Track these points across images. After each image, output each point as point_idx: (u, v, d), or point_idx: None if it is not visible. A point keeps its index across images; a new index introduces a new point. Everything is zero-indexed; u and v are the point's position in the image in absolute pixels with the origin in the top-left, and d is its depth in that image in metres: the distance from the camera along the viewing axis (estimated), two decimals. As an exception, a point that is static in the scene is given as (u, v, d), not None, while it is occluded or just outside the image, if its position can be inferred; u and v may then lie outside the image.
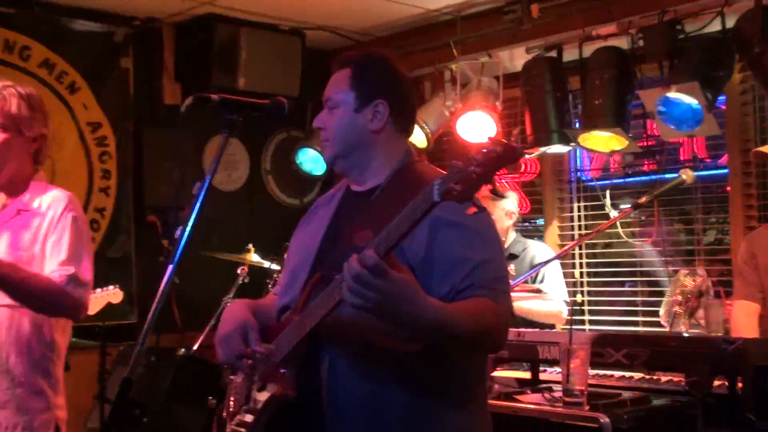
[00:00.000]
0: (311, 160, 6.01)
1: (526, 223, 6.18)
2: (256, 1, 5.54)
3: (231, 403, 2.52)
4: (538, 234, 6.12)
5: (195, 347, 5.37)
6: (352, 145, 2.36)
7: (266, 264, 5.37)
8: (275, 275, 5.16)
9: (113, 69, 5.72)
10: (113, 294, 4.63)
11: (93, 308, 4.48)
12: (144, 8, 5.72)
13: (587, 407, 3.12)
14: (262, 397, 2.33)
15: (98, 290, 4.53)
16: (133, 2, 5.58)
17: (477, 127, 5.44)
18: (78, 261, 2.94)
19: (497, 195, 3.21)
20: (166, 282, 2.09)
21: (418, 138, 5.57)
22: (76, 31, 5.61)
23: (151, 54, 5.93)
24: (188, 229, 2.08)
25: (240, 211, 6.37)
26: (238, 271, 5.33)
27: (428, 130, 5.58)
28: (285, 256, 2.67)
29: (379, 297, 1.91)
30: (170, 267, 2.08)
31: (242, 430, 2.38)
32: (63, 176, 5.38)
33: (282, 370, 2.26)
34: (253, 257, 5.40)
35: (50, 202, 2.97)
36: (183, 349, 5.09)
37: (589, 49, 5.09)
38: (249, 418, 2.37)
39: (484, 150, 1.75)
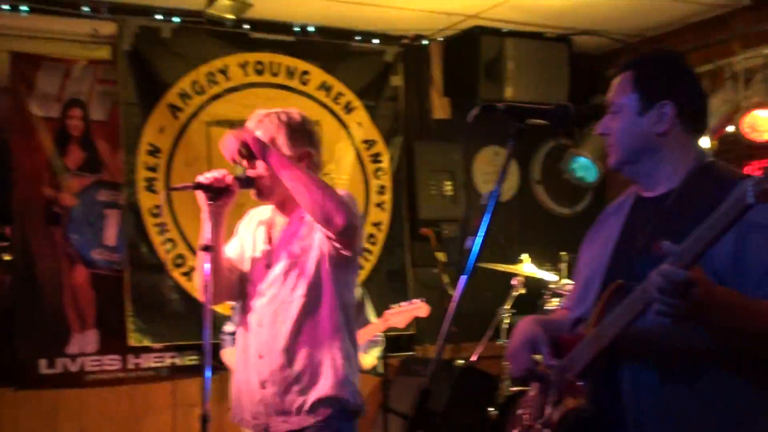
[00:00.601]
0: (582, 168, 5.89)
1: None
2: (520, 10, 5.51)
3: (524, 416, 2.49)
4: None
5: (473, 357, 5.41)
6: (637, 150, 2.26)
7: (540, 274, 5.30)
8: (551, 285, 5.08)
9: (385, 87, 5.91)
10: (419, 308, 4.74)
11: (401, 322, 4.65)
12: (412, 26, 5.85)
13: None
14: (558, 411, 2.27)
15: (404, 303, 4.68)
16: (402, 21, 5.72)
17: (763, 125, 5.08)
18: None
19: None
20: (459, 293, 2.08)
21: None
22: (350, 53, 5.85)
23: (419, 70, 6.08)
24: (479, 239, 2.06)
25: (511, 221, 6.35)
26: (513, 282, 5.30)
27: (709, 130, 5.28)
28: (574, 268, 2.59)
29: (687, 307, 1.82)
30: (463, 278, 2.07)
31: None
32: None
33: (579, 384, 2.19)
34: (527, 268, 5.35)
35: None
36: (461, 360, 5.14)
37: None
38: (544, 431, 2.33)
39: None
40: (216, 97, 5.48)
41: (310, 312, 3.00)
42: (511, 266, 5.39)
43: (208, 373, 2.80)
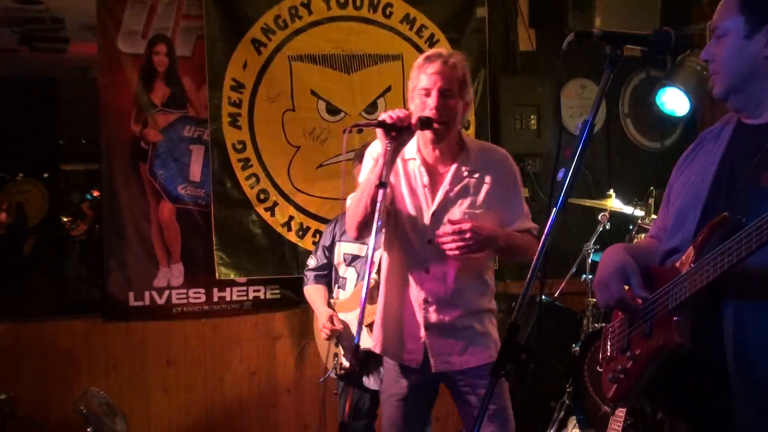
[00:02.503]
0: (673, 101, 5.71)
1: None
2: (612, -64, 5.33)
3: (608, 348, 2.45)
4: None
5: (556, 294, 5.37)
6: (745, 75, 2.16)
7: (627, 210, 5.20)
8: (639, 221, 4.98)
9: (470, 19, 5.79)
10: None
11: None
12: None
13: None
14: (649, 345, 2.21)
15: None
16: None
17: None
18: (529, 215, 3.36)
19: None
20: (550, 226, 2.04)
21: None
22: (434, -16, 5.77)
23: (505, 1, 5.94)
24: (572, 170, 2.01)
25: (598, 156, 6.23)
26: (599, 218, 5.22)
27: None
28: (665, 194, 2.51)
29: None
30: (554, 210, 2.03)
31: (622, 376, 2.29)
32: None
33: (675, 318, 2.12)
34: (614, 203, 5.25)
35: (496, 158, 3.34)
36: (544, 296, 5.10)
37: None
38: (630, 364, 2.27)
39: None
40: (299, 31, 5.46)
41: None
42: (597, 201, 5.31)
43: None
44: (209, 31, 5.28)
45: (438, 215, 3.23)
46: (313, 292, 4.61)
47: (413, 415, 3.41)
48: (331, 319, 4.37)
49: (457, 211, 3.23)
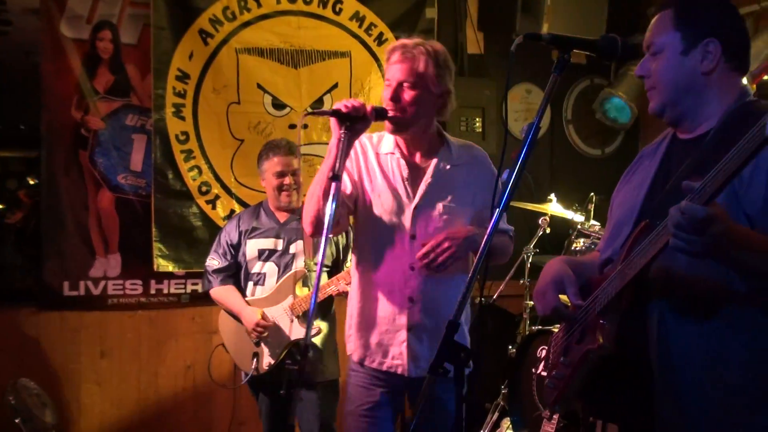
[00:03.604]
0: (616, 109, 5.80)
1: None
2: (561, -57, 5.39)
3: (550, 355, 2.49)
4: None
5: (494, 296, 5.41)
6: (681, 90, 2.21)
7: (568, 215, 5.26)
8: (578, 226, 5.05)
9: (419, 19, 5.81)
10: None
11: None
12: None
13: None
14: (580, 349, 2.27)
15: None
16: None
17: (806, 69, 4.96)
18: (504, 217, 3.22)
19: None
20: (492, 226, 2.06)
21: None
22: (385, -17, 5.78)
23: (455, 3, 5.97)
24: (516, 172, 2.02)
25: (541, 160, 6.30)
26: (540, 222, 5.27)
27: (750, 73, 5.16)
28: (604, 210, 2.57)
29: (702, 240, 1.82)
30: (496, 211, 2.04)
31: (559, 381, 2.34)
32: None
33: (601, 321, 2.19)
34: (554, 208, 5.31)
35: (477, 156, 3.27)
36: (482, 297, 5.14)
37: None
38: (565, 369, 2.33)
39: None
40: (247, 24, 5.43)
41: None
42: (538, 205, 5.36)
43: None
44: (156, 19, 5.21)
45: (420, 209, 3.15)
46: (227, 293, 4.51)
47: (383, 428, 3.23)
48: (263, 317, 4.31)
49: (440, 206, 3.15)
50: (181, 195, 5.33)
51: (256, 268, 4.45)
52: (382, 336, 3.19)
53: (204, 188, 5.38)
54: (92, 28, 5.17)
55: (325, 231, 2.74)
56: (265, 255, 4.44)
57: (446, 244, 3.01)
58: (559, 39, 2.15)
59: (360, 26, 5.70)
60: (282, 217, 4.51)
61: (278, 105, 5.50)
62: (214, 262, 4.55)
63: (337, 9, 5.65)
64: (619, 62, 5.79)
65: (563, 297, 2.37)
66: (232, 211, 5.41)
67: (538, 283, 2.42)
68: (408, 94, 3.06)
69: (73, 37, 5.13)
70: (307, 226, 3.09)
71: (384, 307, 3.19)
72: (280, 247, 4.43)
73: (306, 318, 4.26)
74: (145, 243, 5.28)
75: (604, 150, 6.49)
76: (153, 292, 5.40)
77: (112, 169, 5.28)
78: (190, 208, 5.36)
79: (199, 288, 5.44)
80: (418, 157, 3.21)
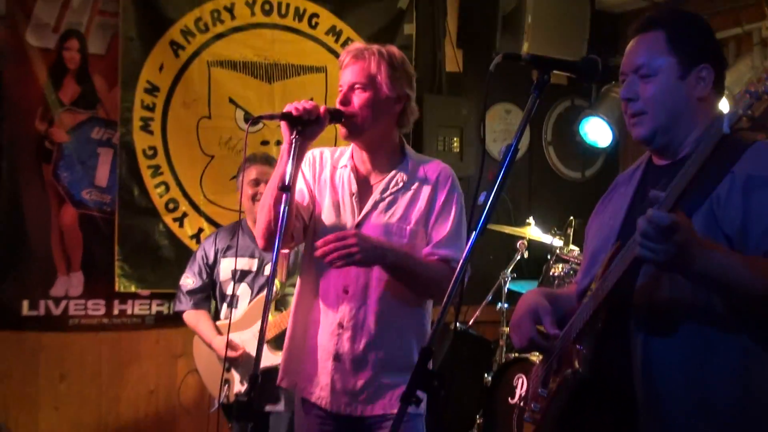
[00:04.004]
0: (596, 131, 5.84)
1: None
2: (544, -39, 5.45)
3: (529, 389, 2.49)
4: None
5: (470, 322, 5.41)
6: (675, 115, 2.21)
7: (546, 239, 5.28)
8: (557, 251, 5.06)
9: (397, 35, 5.83)
10: None
11: None
12: (428, -27, 5.78)
13: None
14: (557, 379, 2.27)
15: None
16: (421, -34, 5.66)
17: (790, 94, 5.01)
18: (458, 245, 3.01)
19: None
20: (468, 251, 2.05)
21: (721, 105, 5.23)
22: (363, -2, 5.80)
23: (434, 20, 6.00)
24: (494, 194, 2.02)
25: (519, 182, 6.32)
26: (517, 246, 5.28)
27: (733, 97, 5.22)
28: (582, 236, 2.57)
29: (667, 249, 1.84)
30: (473, 234, 2.03)
31: (537, 414, 2.34)
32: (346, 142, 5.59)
33: (578, 347, 2.19)
34: (533, 231, 5.33)
35: (437, 174, 3.05)
36: (458, 323, 5.13)
37: None
38: (542, 400, 2.33)
39: None
40: (220, 36, 5.43)
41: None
42: (516, 229, 5.38)
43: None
44: (125, 29, 5.19)
45: (361, 228, 2.98)
46: (198, 320, 4.47)
47: None
48: (230, 348, 4.21)
49: (383, 225, 2.98)
50: (147, 212, 5.29)
51: (230, 289, 4.39)
52: (307, 363, 3.05)
53: (171, 205, 5.35)
54: (59, 37, 5.13)
55: (276, 245, 2.62)
56: (238, 275, 4.38)
57: (352, 241, 2.79)
58: (539, 59, 2.15)
59: (336, 41, 5.71)
60: None
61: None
62: (188, 281, 4.51)
63: (314, 23, 5.65)
64: (600, 83, 5.84)
65: (540, 328, 2.37)
66: (200, 230, 5.38)
67: (514, 316, 2.42)
68: (359, 97, 2.95)
69: (39, 46, 5.09)
70: (258, 239, 2.97)
71: (313, 332, 3.04)
72: (254, 268, 4.39)
73: (278, 344, 4.21)
74: (108, 261, 5.23)
75: (584, 173, 6.53)
76: (116, 312, 5.35)
77: (76, 184, 5.23)
78: (156, 225, 5.32)
79: (165, 309, 5.39)
80: (372, 172, 3.08)
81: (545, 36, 5.71)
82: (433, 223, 3.01)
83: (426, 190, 3.02)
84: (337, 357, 2.98)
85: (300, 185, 3.07)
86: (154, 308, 5.43)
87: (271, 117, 2.99)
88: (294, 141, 2.76)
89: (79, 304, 5.26)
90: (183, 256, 5.28)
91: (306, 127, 2.80)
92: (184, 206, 5.37)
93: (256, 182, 4.36)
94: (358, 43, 3.07)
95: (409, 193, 3.02)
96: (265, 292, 4.29)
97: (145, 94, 5.25)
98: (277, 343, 4.18)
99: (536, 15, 5.69)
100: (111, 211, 5.26)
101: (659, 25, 2.24)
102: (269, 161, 4.41)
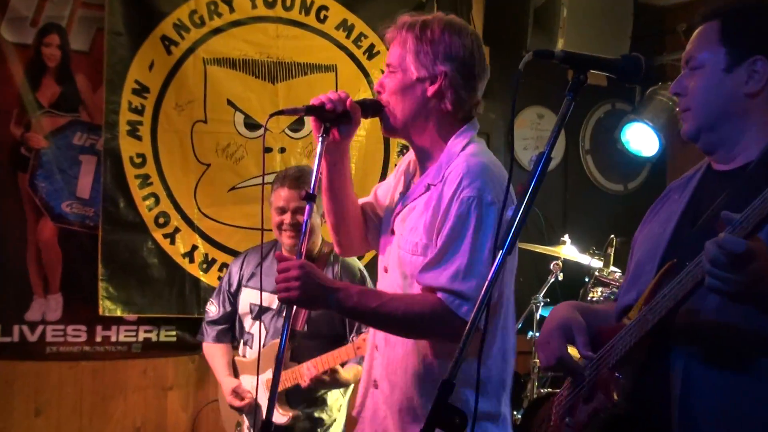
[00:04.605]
0: (640, 139, 5.83)
1: None
2: (580, -52, 5.46)
3: (551, 416, 2.47)
4: None
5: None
6: (721, 113, 2.23)
7: (584, 260, 5.27)
8: (596, 273, 5.05)
9: (416, 30, 5.83)
10: None
11: None
12: (452, -39, 5.81)
13: None
14: (587, 409, 2.25)
15: None
16: (441, -46, 5.67)
17: None
18: (457, 271, 2.64)
19: None
20: (494, 271, 2.04)
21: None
22: (378, -11, 5.81)
23: (457, 14, 5.98)
24: (523, 209, 2.01)
25: (554, 197, 6.32)
26: (551, 267, 5.28)
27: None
28: (627, 252, 2.55)
29: (741, 279, 1.78)
30: (501, 253, 2.03)
31: (564, 449, 2.33)
32: (358, 149, 5.66)
33: (616, 375, 2.18)
34: (568, 251, 5.32)
35: (451, 171, 2.73)
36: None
37: None
38: None
39: None
40: (217, 30, 5.46)
41: None
42: (550, 248, 5.37)
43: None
44: (111, 23, 5.22)
45: (388, 237, 2.89)
46: (214, 354, 4.46)
47: None
48: (236, 394, 4.22)
49: (399, 237, 2.82)
50: (135, 227, 5.30)
51: (247, 325, 4.34)
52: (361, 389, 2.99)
53: (161, 220, 5.37)
54: (37, 32, 5.17)
55: (302, 242, 2.60)
56: (256, 311, 4.28)
57: (294, 273, 2.57)
58: (574, 57, 2.15)
59: (348, 36, 5.73)
60: None
61: (251, 125, 5.51)
62: (211, 308, 4.49)
63: (322, 16, 5.68)
64: (645, 85, 5.84)
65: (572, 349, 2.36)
66: (194, 247, 5.39)
67: (542, 330, 2.41)
68: (388, 81, 2.80)
69: (15, 42, 5.13)
70: (335, 245, 3.04)
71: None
72: (274, 305, 4.22)
73: (289, 400, 4.18)
74: (91, 282, 5.24)
75: (626, 185, 6.52)
76: (99, 339, 5.36)
77: (55, 195, 5.25)
78: (144, 242, 5.33)
79: (153, 336, 5.41)
80: (417, 170, 2.92)
81: (583, 32, 5.72)
82: (435, 237, 2.70)
83: (435, 193, 2.74)
84: (374, 383, 2.89)
85: (388, 182, 3.05)
86: (142, 335, 5.43)
87: (295, 111, 2.84)
88: (321, 140, 2.69)
89: (57, 329, 5.28)
90: (174, 276, 5.30)
91: (336, 123, 2.72)
92: (175, 221, 5.39)
93: (281, 210, 4.16)
94: (408, 15, 2.83)
95: (425, 198, 2.78)
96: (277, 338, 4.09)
97: (134, 95, 5.27)
98: (288, 398, 4.15)
99: (572, 9, 5.70)
100: (94, 226, 5.28)
101: (717, 14, 2.27)
102: (301, 182, 4.12)
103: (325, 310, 2.82)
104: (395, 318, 2.66)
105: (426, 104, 2.77)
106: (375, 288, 3.03)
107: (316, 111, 2.69)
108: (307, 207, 2.60)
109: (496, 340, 2.74)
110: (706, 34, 2.26)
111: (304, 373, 4.04)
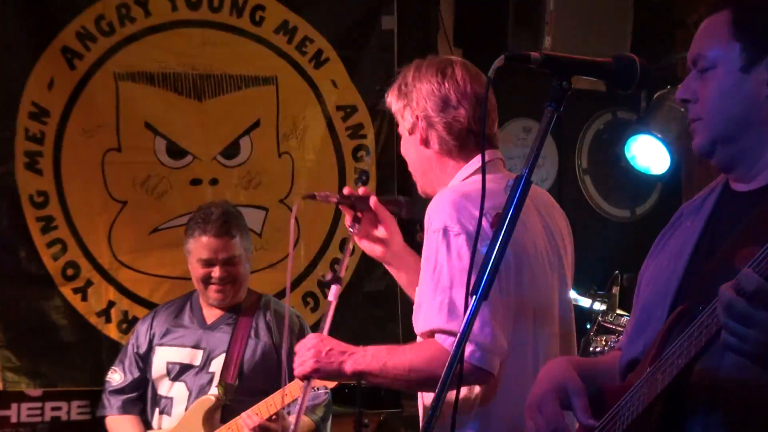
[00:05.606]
0: (647, 154, 5.86)
1: None
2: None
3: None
4: None
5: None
6: (738, 121, 2.20)
7: (584, 302, 5.28)
8: (599, 318, 5.06)
9: (372, 32, 5.88)
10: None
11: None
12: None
13: None
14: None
15: None
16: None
17: None
18: (438, 309, 2.85)
19: None
20: (467, 321, 2.04)
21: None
22: (325, -15, 5.86)
23: (423, 10, 6.05)
24: (498, 245, 2.02)
25: (545, 226, 6.33)
26: (545, 312, 5.28)
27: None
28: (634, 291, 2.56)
29: (763, 334, 1.77)
30: (473, 299, 2.03)
31: None
32: (307, 177, 5.67)
33: (626, 446, 2.18)
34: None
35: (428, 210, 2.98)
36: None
37: None
38: None
39: None
40: (130, 39, 5.48)
41: None
42: (543, 290, 5.37)
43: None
44: (2, 34, 5.23)
45: None
46: (122, 428, 4.46)
47: None
48: None
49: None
50: (38, 281, 5.30)
51: (163, 389, 4.37)
52: None
53: (70, 271, 5.35)
54: None
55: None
56: (176, 371, 4.34)
57: (309, 350, 2.89)
58: (555, 61, 2.15)
59: (290, 41, 5.75)
60: (211, 316, 4.42)
61: (175, 152, 5.52)
62: (114, 376, 4.50)
63: (258, 18, 5.70)
64: (642, 89, 5.87)
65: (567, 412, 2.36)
66: (111, 304, 5.37)
67: (532, 393, 2.38)
68: (403, 150, 3.14)
69: None
70: None
71: None
72: (197, 362, 4.32)
73: None
74: (-16, 350, 5.23)
75: (634, 210, 6.55)
76: (-5, 421, 5.33)
77: (-62, 243, 5.24)
78: (50, 299, 5.32)
79: (63, 414, 5.37)
80: None
81: (573, 29, 5.76)
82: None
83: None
84: None
85: None
86: (49, 413, 5.40)
87: (326, 199, 3.13)
88: (352, 231, 2.98)
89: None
90: (88, 340, 5.27)
91: (364, 211, 3.03)
92: (87, 272, 5.38)
93: (208, 262, 4.26)
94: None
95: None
96: (204, 396, 4.27)
97: (31, 120, 5.27)
98: None
99: (560, 1, 5.75)
100: (-13, 281, 5.27)
101: (727, 3, 2.25)
102: (232, 228, 4.30)
103: (346, 378, 3.04)
104: (406, 370, 2.83)
105: (420, 155, 3.07)
106: None
107: (344, 199, 3.00)
108: (334, 288, 2.87)
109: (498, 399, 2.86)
110: (716, 27, 2.24)
111: (241, 425, 4.09)
